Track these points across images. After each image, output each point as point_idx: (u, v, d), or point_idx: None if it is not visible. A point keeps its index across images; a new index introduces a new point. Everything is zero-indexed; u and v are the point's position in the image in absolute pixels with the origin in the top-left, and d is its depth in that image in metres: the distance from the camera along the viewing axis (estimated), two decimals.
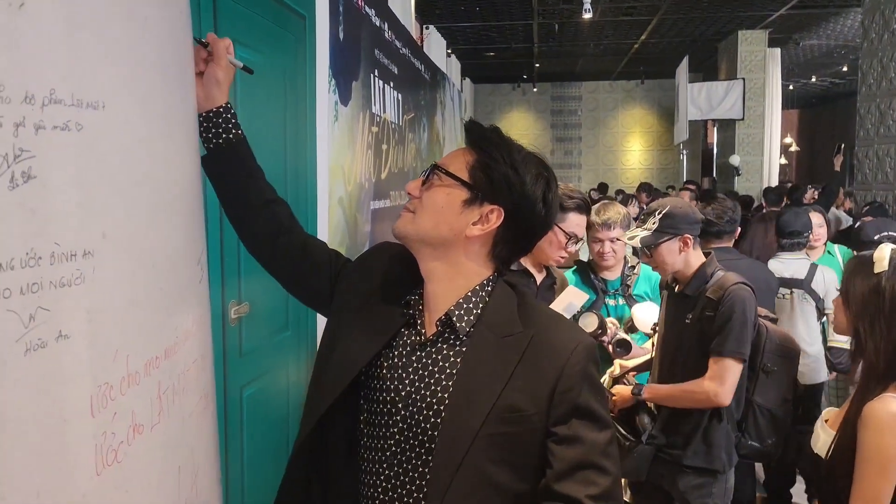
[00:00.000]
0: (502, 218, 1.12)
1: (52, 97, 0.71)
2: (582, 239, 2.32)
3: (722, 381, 2.17)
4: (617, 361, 2.62)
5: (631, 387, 2.43)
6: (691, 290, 2.29)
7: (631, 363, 2.63)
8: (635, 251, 2.79)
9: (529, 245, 1.21)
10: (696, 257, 2.31)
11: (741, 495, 3.16)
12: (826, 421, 1.71)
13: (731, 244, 3.26)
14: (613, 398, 2.44)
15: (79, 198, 0.76)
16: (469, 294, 1.14)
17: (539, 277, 2.37)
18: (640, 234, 2.30)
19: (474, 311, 1.13)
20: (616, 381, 2.58)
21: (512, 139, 1.17)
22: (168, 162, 1.04)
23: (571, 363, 1.08)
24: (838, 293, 1.73)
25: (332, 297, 1.29)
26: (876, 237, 3.31)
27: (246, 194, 1.31)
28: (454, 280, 1.15)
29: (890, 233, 3.35)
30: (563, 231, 2.24)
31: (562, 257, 2.30)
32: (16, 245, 0.67)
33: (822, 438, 1.64)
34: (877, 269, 1.59)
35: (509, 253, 1.18)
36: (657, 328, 2.54)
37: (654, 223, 2.28)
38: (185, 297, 1.07)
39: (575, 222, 2.25)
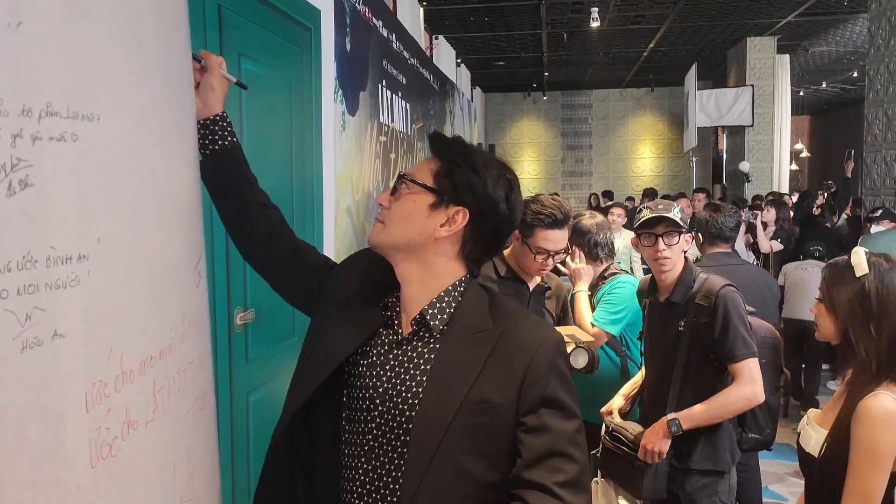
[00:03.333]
0: (468, 218, 1.18)
1: (48, 110, 0.76)
2: (560, 253, 2.32)
3: (753, 381, 2.20)
4: (620, 392, 2.58)
5: (652, 426, 2.31)
6: (678, 298, 2.31)
7: (627, 389, 2.62)
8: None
9: (498, 243, 1.27)
10: (681, 263, 2.35)
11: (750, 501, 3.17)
12: (809, 420, 1.74)
13: (729, 248, 3.29)
14: (644, 444, 2.28)
15: (75, 204, 0.80)
16: (442, 294, 1.20)
17: (532, 284, 2.40)
18: (673, 215, 2.29)
19: (447, 310, 1.19)
20: (624, 416, 2.53)
21: (475, 146, 1.25)
22: (167, 171, 1.08)
23: (539, 356, 1.13)
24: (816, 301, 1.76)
25: (317, 300, 1.34)
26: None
27: (240, 198, 1.36)
28: (427, 281, 1.20)
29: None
30: (529, 247, 2.27)
31: (541, 270, 2.33)
32: (13, 248, 0.72)
33: (815, 438, 1.67)
34: (858, 274, 1.64)
35: (479, 252, 1.24)
36: (643, 337, 2.55)
37: (678, 212, 2.31)
38: (182, 301, 1.11)
39: (541, 237, 2.26)
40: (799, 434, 1.76)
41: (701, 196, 8.23)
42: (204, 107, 1.33)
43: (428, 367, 1.16)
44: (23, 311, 0.72)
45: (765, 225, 6.36)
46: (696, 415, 2.25)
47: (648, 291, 2.47)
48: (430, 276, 1.20)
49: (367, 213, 4.17)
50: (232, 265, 2.50)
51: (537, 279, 2.40)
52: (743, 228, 5.88)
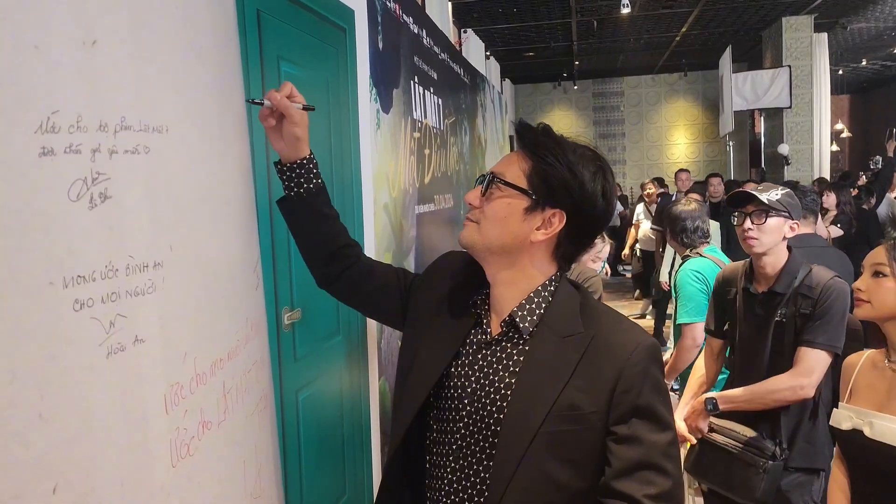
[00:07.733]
0: (565, 220, 1.14)
1: (122, 124, 0.79)
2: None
3: (810, 373, 2.10)
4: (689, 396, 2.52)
5: (694, 404, 2.34)
6: (783, 287, 2.21)
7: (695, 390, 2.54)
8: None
9: (591, 239, 1.22)
10: (784, 251, 2.26)
11: None
12: (861, 413, 1.66)
13: (813, 230, 3.24)
14: (686, 420, 2.34)
15: (149, 214, 0.83)
16: (532, 294, 1.17)
17: None
18: (769, 196, 2.27)
19: (537, 312, 1.16)
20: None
21: (564, 137, 1.17)
22: (224, 178, 1.11)
23: (632, 363, 1.09)
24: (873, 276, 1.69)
25: (405, 313, 1.33)
26: None
27: (317, 240, 1.36)
28: (518, 283, 1.17)
29: None
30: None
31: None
32: (96, 259, 0.75)
33: (891, 427, 1.61)
34: None
35: (573, 251, 1.20)
36: (731, 330, 2.42)
37: (776, 195, 2.27)
38: (244, 303, 1.14)
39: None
40: (856, 428, 1.68)
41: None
42: (290, 151, 1.29)
43: (517, 369, 1.14)
44: (107, 319, 0.75)
45: (826, 211, 6.14)
46: (735, 396, 2.22)
47: (745, 281, 2.35)
48: (523, 277, 1.17)
49: (404, 209, 4.19)
50: (278, 265, 2.54)
51: None
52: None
